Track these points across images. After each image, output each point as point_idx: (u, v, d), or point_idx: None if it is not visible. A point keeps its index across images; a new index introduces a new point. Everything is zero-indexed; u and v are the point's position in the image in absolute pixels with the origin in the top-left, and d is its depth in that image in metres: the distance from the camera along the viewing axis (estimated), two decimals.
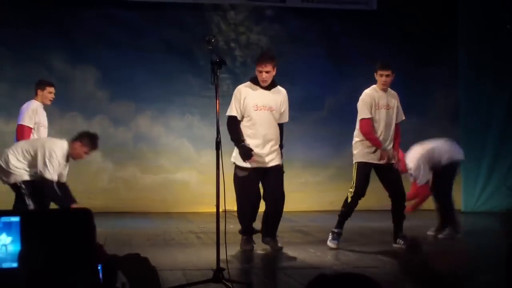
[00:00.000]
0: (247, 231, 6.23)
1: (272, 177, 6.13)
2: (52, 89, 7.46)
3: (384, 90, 6.42)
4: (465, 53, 10.28)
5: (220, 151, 4.85)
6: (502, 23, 10.11)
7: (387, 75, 6.36)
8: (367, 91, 6.42)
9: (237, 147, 6.05)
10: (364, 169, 6.29)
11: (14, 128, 9.63)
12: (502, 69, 10.13)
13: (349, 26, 10.38)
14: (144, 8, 9.90)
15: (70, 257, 1.89)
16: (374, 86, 6.45)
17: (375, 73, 6.40)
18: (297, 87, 10.39)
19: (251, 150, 5.97)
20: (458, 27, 10.35)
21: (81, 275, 1.88)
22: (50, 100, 7.48)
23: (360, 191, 6.28)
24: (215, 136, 4.88)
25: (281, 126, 6.23)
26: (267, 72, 6.01)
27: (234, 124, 6.06)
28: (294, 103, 9.85)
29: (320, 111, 10.05)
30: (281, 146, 6.22)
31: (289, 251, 6.25)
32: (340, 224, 6.40)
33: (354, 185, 6.29)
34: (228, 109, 6.11)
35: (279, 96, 6.17)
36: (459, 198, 10.18)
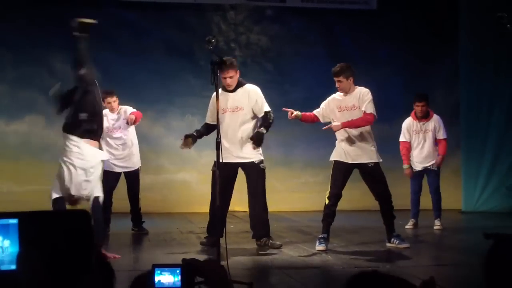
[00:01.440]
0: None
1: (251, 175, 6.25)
2: (108, 99, 7.55)
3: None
4: (466, 52, 10.28)
5: (220, 151, 4.86)
6: (502, 22, 10.11)
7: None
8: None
9: None
10: (338, 168, 6.33)
11: (15, 129, 9.68)
12: (503, 69, 10.13)
13: (350, 25, 10.38)
14: (144, 9, 9.90)
15: (69, 259, 1.89)
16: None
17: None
18: (298, 87, 10.40)
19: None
20: (458, 26, 10.35)
21: (81, 278, 1.88)
22: (113, 108, 7.62)
23: (336, 191, 6.32)
24: (216, 137, 4.89)
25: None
26: (230, 77, 6.15)
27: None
28: (294, 103, 9.84)
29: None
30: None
31: (289, 251, 6.25)
32: (326, 228, 6.40)
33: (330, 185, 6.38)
34: None
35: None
36: (460, 197, 10.19)
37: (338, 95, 6.51)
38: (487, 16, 10.16)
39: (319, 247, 6.28)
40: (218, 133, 4.95)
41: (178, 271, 2.15)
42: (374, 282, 1.62)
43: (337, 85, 6.42)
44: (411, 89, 10.26)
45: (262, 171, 6.29)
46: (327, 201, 6.37)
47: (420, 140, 8.07)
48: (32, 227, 2.08)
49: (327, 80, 9.74)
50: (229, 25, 10.20)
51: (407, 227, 7.89)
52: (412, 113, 8.15)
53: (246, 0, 10.17)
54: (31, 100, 9.62)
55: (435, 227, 7.91)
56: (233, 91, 6.24)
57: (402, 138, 8.19)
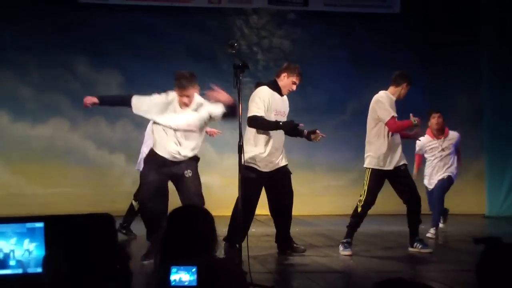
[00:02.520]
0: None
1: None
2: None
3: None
4: (488, 56, 10.19)
5: (242, 154, 4.86)
6: None
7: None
8: (383, 94, 6.44)
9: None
10: (376, 176, 6.24)
11: (39, 132, 9.78)
12: None
13: (372, 29, 10.35)
14: (167, 13, 9.97)
15: (93, 262, 1.92)
16: (388, 93, 6.44)
17: (405, 84, 6.47)
18: (320, 91, 10.38)
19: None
20: (481, 29, 10.26)
21: (105, 280, 1.91)
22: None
23: (370, 200, 6.23)
24: (238, 140, 4.90)
25: None
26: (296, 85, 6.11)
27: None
28: (316, 107, 9.88)
29: (343, 115, 10.02)
30: None
31: (311, 255, 6.24)
32: (350, 234, 6.35)
33: (364, 193, 6.27)
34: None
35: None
36: (484, 202, 10.09)
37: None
38: (509, 18, 10.08)
39: (345, 251, 6.24)
40: (241, 137, 4.96)
41: (194, 270, 2.17)
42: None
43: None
44: (433, 93, 10.21)
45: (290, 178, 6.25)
46: (359, 209, 6.29)
47: (436, 159, 7.66)
48: (58, 230, 2.11)
49: (348, 83, 9.73)
50: (251, 29, 10.22)
51: (428, 235, 7.59)
52: (428, 130, 7.73)
53: (269, 5, 10.19)
54: (56, 104, 9.74)
55: (428, 235, 7.40)
56: (282, 95, 6.18)
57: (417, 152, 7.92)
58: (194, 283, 2.15)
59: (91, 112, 9.87)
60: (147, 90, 9.89)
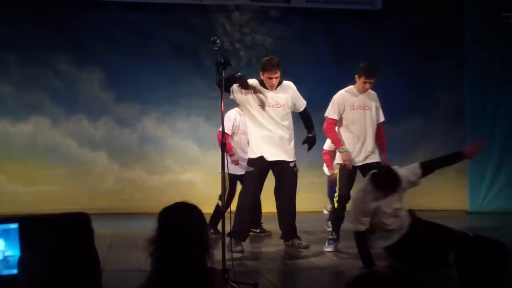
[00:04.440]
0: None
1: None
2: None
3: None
4: (471, 52, 10.24)
5: (225, 152, 4.85)
6: (508, 22, 10.08)
7: (370, 83, 6.31)
8: (341, 92, 6.41)
9: None
10: (345, 171, 6.28)
11: (20, 130, 9.69)
12: (508, 68, 10.09)
13: (355, 26, 10.36)
14: (149, 10, 9.90)
15: (70, 262, 1.89)
16: (351, 87, 6.41)
17: (357, 76, 6.33)
18: (303, 88, 10.32)
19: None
20: (464, 26, 10.31)
21: (82, 280, 1.88)
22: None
23: (343, 194, 6.26)
24: (220, 137, 4.88)
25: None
26: (276, 78, 6.11)
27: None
28: None
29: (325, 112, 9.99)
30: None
31: (295, 251, 6.24)
32: (334, 230, 6.38)
33: (338, 188, 6.31)
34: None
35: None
36: (465, 198, 10.16)
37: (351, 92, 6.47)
38: (493, 15, 10.14)
39: (328, 248, 6.26)
40: (224, 134, 4.95)
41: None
42: (374, 283, 1.61)
43: (368, 87, 6.33)
44: (415, 89, 10.26)
45: (296, 173, 6.36)
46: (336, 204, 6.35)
47: None
48: (33, 231, 2.07)
49: (331, 80, 9.74)
50: (233, 25, 10.19)
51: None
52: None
53: (251, 1, 10.16)
54: (37, 102, 9.64)
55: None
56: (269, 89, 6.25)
57: None
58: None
59: (73, 110, 9.81)
60: (130, 87, 9.91)
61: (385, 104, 6.66)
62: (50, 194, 9.32)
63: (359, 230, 4.82)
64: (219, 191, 4.94)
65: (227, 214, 5.13)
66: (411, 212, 4.88)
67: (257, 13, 10.24)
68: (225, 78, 5.03)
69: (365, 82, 6.27)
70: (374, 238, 4.84)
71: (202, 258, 2.24)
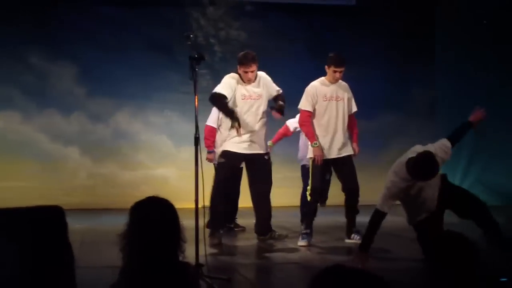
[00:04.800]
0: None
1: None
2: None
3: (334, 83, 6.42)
4: (442, 49, 10.35)
5: (199, 147, 4.85)
6: (479, 19, 10.20)
7: (340, 72, 6.33)
8: (313, 83, 6.42)
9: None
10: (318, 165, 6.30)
11: None
12: (479, 66, 10.20)
13: (330, 21, 10.40)
14: (123, 4, 9.82)
15: (43, 256, 1.87)
16: (322, 78, 6.43)
17: (326, 66, 6.36)
18: (278, 83, 10.35)
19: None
20: (435, 23, 10.42)
21: (56, 274, 1.86)
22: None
23: (315, 187, 6.30)
24: (194, 132, 4.88)
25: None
26: (252, 72, 6.20)
27: None
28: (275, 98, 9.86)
29: None
30: None
31: (268, 246, 6.26)
32: (307, 224, 6.40)
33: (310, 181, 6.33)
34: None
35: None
36: None
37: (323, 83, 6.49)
38: (463, 12, 10.25)
39: (302, 242, 6.29)
40: (197, 129, 4.94)
41: None
42: (339, 277, 1.61)
43: (338, 76, 6.34)
44: (389, 85, 10.35)
45: (270, 165, 6.48)
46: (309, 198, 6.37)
47: None
48: (5, 224, 2.04)
49: (307, 74, 9.75)
50: (208, 20, 10.15)
51: None
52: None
53: None
54: (7, 96, 9.51)
55: None
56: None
57: None
58: None
59: (45, 104, 9.69)
60: (103, 81, 9.82)
61: (359, 99, 6.69)
62: (21, 190, 9.20)
63: (381, 210, 4.93)
64: (193, 186, 4.92)
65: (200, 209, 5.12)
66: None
67: (232, 7, 10.21)
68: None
69: (335, 71, 6.30)
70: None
71: (174, 252, 2.23)
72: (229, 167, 6.27)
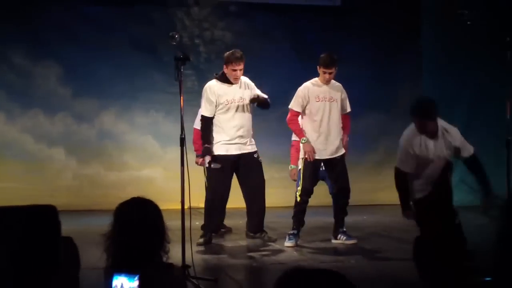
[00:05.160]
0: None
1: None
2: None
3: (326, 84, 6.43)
4: (429, 48, 10.39)
5: (184, 147, 4.84)
6: (465, 19, 10.25)
7: (330, 73, 6.34)
8: (306, 84, 6.43)
9: None
10: (310, 164, 6.30)
11: None
12: (464, 65, 10.26)
13: (315, 21, 10.40)
14: (108, 3, 9.76)
15: (36, 255, 1.85)
16: (316, 79, 6.44)
17: (318, 67, 6.37)
18: (263, 83, 10.34)
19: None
20: (421, 22, 10.46)
21: (49, 273, 1.84)
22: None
23: (306, 187, 6.30)
24: (180, 133, 4.87)
25: None
26: (240, 70, 6.25)
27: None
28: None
29: (286, 107, 10.02)
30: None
31: (255, 247, 6.25)
32: (295, 225, 6.41)
33: (300, 181, 6.33)
34: None
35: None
36: None
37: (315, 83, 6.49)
38: (449, 11, 10.31)
39: (289, 243, 6.28)
40: (183, 130, 4.93)
41: (136, 278, 2.13)
42: (302, 278, 1.61)
43: (328, 77, 6.34)
44: (375, 85, 10.36)
45: (260, 163, 6.49)
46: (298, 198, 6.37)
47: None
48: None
49: (292, 75, 9.78)
50: (193, 20, 10.12)
51: None
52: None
53: None
54: None
55: None
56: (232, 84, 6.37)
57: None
58: None
59: (29, 105, 9.61)
60: (87, 81, 9.75)
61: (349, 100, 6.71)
62: (6, 191, 9.10)
63: (400, 168, 4.94)
64: (179, 187, 4.91)
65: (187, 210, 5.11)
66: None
67: (216, 8, 10.20)
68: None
69: (324, 72, 6.31)
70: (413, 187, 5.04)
71: (157, 253, 2.22)
72: (221, 171, 6.23)
